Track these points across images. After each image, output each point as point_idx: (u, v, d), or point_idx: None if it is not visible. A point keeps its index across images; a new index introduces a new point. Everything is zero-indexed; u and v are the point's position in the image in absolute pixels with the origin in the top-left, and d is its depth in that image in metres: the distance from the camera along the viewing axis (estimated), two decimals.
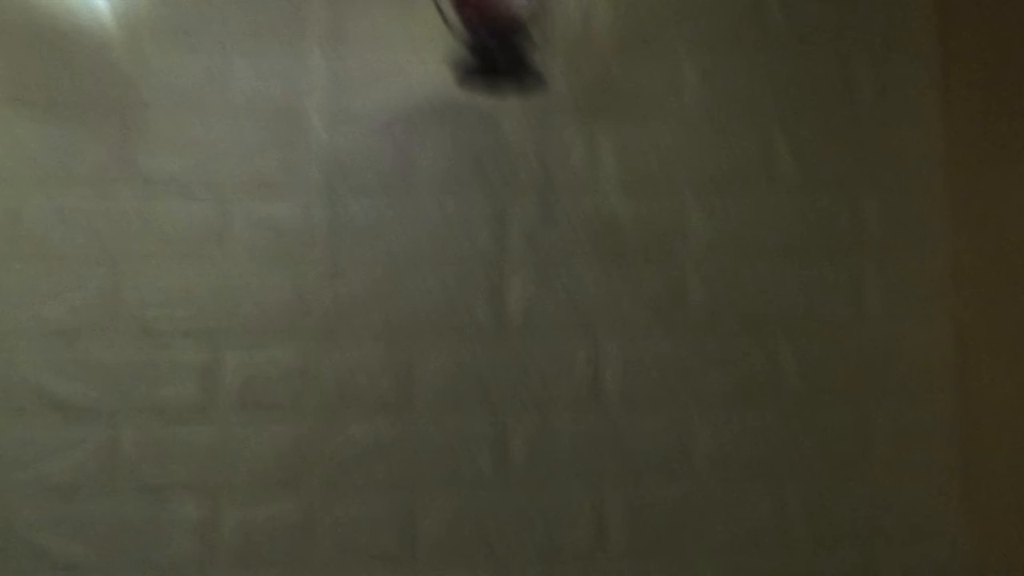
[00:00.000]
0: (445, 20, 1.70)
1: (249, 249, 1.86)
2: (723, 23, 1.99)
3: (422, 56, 1.89)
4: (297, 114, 1.89)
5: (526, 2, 1.63)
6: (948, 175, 2.03)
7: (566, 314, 1.91)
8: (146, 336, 1.81)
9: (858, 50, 2.02)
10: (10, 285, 1.80)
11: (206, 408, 1.80)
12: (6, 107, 1.82)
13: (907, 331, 1.99)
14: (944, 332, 1.99)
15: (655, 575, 1.86)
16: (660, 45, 1.97)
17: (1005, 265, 1.85)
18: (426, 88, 1.90)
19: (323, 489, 1.81)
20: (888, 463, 1.95)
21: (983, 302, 1.92)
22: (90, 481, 1.76)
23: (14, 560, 1.73)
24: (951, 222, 2.01)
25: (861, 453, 1.95)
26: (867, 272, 2.00)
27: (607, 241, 1.94)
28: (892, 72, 2.04)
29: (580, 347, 1.91)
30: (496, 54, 1.65)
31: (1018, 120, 1.81)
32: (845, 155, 2.01)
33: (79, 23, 1.79)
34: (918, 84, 2.04)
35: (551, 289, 1.91)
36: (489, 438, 1.86)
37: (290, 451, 1.81)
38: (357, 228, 1.88)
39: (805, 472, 1.93)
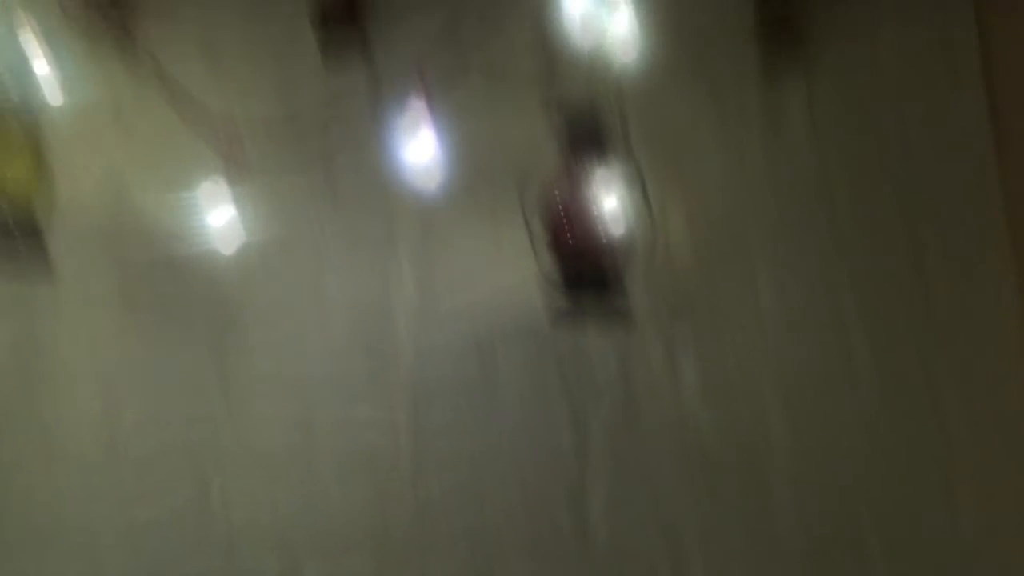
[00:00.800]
0: (537, 254, 1.77)
1: (333, 454, 1.88)
2: (796, 233, 2.02)
3: (506, 265, 1.95)
4: (385, 320, 1.95)
5: (618, 238, 1.69)
6: None
7: (649, 525, 1.87)
8: (229, 545, 1.81)
9: (934, 249, 2.01)
10: (102, 488, 1.84)
11: None
12: (118, 314, 1.92)
13: (1002, 540, 1.90)
14: None
15: None
16: (735, 256, 2.00)
17: None
18: (510, 296, 1.95)
19: None
20: None
21: None
22: None
23: None
24: None
25: None
26: (957, 478, 1.94)
27: (689, 449, 1.92)
28: (971, 270, 2.03)
29: (664, 561, 1.85)
30: (586, 289, 1.70)
31: None
32: (927, 358, 1.98)
33: (189, 235, 1.89)
34: (998, 281, 2.03)
35: (633, 499, 1.89)
36: None
37: None
38: (439, 433, 1.90)
39: None
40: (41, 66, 1.68)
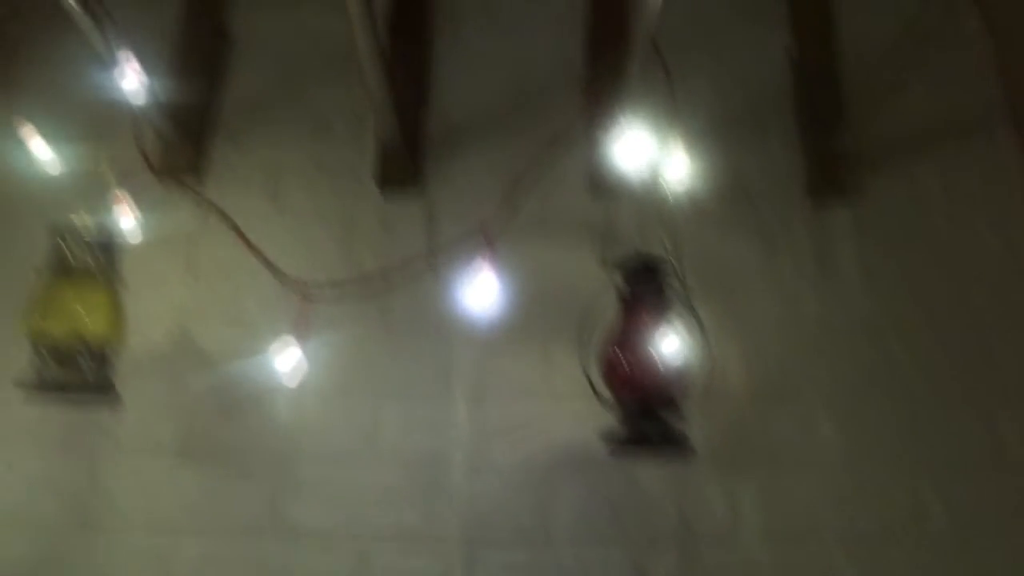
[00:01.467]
0: (596, 394, 1.78)
1: None
2: (853, 373, 2.01)
3: (562, 408, 1.96)
4: (441, 465, 1.95)
5: (676, 379, 1.69)
6: None
7: None
8: None
9: (1002, 406, 1.98)
10: None
11: None
12: (175, 458, 1.95)
13: None
14: None
15: None
16: (794, 396, 1.99)
17: None
18: (565, 439, 1.94)
19: None
20: None
21: None
22: None
23: None
24: None
25: None
26: None
27: None
28: None
29: None
30: (645, 428, 1.69)
31: None
32: (1000, 512, 1.91)
33: (249, 381, 1.94)
34: None
35: None
36: None
37: None
38: None
39: None
40: (127, 223, 1.79)
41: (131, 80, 1.79)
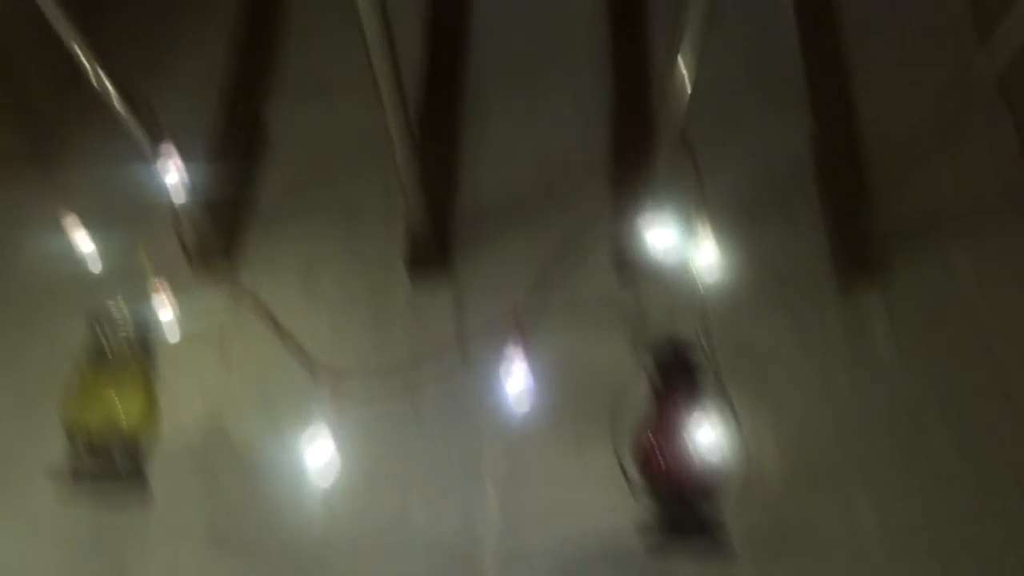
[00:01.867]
0: (629, 483, 1.75)
1: None
2: (893, 456, 1.97)
3: (595, 497, 1.92)
4: (472, 556, 1.90)
5: (711, 467, 1.67)
6: None
7: None
8: None
9: None
10: None
11: None
12: (205, 549, 1.93)
13: None
14: None
15: None
16: (831, 482, 1.94)
17: None
18: (599, 529, 1.90)
19: None
20: None
21: None
22: None
23: None
24: None
25: None
26: None
27: None
28: None
29: None
30: (681, 518, 1.66)
31: None
32: None
33: (280, 470, 1.92)
34: None
35: None
36: None
37: None
38: None
39: None
40: (165, 315, 1.82)
41: (171, 173, 1.84)
